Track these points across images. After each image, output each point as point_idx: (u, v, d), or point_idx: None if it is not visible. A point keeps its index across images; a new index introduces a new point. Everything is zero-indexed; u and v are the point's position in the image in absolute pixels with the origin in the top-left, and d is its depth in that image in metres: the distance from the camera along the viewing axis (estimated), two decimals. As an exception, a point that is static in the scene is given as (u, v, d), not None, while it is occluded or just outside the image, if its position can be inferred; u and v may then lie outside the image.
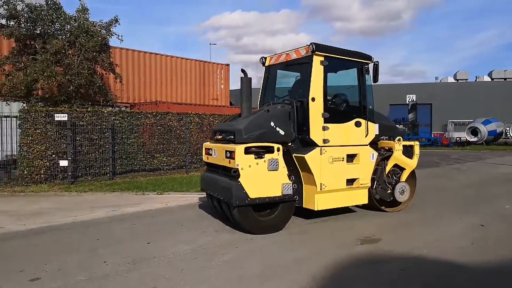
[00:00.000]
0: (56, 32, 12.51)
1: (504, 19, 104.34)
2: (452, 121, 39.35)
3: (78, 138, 11.17)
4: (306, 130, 6.24)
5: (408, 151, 7.67)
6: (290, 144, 6.34)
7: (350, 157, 6.68)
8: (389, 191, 7.33)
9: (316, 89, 6.27)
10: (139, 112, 13.18)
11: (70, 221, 6.95)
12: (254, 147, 5.81)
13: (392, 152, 7.40)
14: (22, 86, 11.63)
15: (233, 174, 5.65)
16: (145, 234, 5.95)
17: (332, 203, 6.57)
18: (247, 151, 5.72)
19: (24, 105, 11.95)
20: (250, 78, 6.38)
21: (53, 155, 10.73)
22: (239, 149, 5.68)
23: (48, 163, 10.66)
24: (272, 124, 6.11)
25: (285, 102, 6.74)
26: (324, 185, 6.29)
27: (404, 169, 7.56)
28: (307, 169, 6.20)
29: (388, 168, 7.39)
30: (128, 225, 6.66)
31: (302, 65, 6.69)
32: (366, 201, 6.99)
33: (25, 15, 11.74)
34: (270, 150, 5.86)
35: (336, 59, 6.65)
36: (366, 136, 6.87)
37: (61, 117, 10.53)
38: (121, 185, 10.60)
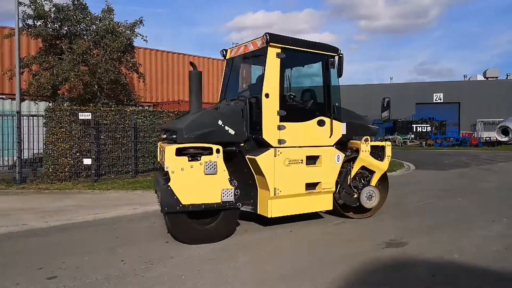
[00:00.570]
0: (82, 32, 12.70)
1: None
2: (481, 120, 37.96)
3: (101, 137, 11.31)
4: (260, 129, 5.64)
5: (378, 153, 6.94)
6: (242, 144, 5.78)
7: (311, 159, 6.07)
8: (355, 196, 6.64)
9: (270, 84, 5.66)
10: (161, 111, 13.24)
11: (92, 218, 6.98)
12: (191, 148, 5.20)
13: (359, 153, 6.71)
14: (48, 86, 11.87)
15: (163, 178, 5.35)
16: (164, 233, 5.89)
17: (289, 210, 5.97)
18: (181, 152, 5.13)
19: (50, 104, 12.19)
20: (200, 72, 6.03)
21: (77, 153, 10.89)
22: (169, 150, 5.08)
23: (72, 161, 10.83)
24: (220, 122, 5.53)
25: (239, 99, 6.18)
26: (278, 189, 5.69)
27: (374, 172, 6.85)
28: (260, 172, 5.63)
29: (354, 170, 6.69)
30: (148, 223, 6.62)
31: (258, 58, 6.06)
32: (330, 207, 6.39)
33: (52, 15, 11.97)
34: (209, 151, 5.25)
35: (296, 52, 6.00)
36: (330, 136, 6.22)
37: (85, 116, 10.67)
38: (143, 183, 10.65)
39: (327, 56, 6.28)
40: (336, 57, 6.32)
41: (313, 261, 4.70)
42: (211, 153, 5.24)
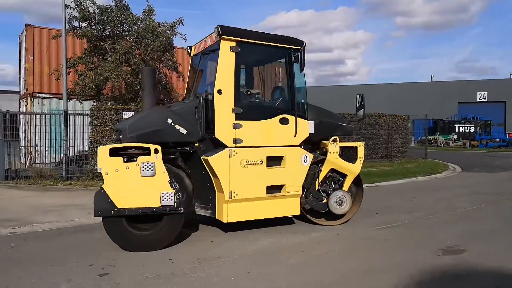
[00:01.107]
0: (124, 33, 13.00)
1: None
2: (531, 121, 35.79)
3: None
4: (213, 128, 5.34)
5: (351, 154, 6.36)
6: (197, 144, 5.47)
7: (273, 160, 5.65)
8: (324, 201, 6.14)
9: (223, 80, 5.31)
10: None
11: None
12: (127, 148, 4.88)
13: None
14: (93, 85, 12.23)
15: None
16: (211, 232, 5.85)
17: (249, 214, 5.56)
18: (115, 152, 4.81)
19: (95, 103, 12.55)
20: (154, 69, 5.71)
21: (120, 151, 11.14)
22: (102, 150, 4.78)
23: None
24: (169, 121, 5.20)
25: (196, 96, 5.84)
26: (234, 193, 5.32)
27: (346, 175, 6.31)
28: (215, 174, 5.31)
29: (322, 173, 6.16)
30: (193, 222, 6.61)
31: (215, 52, 5.60)
32: (297, 212, 5.93)
33: (96, 17, 12.32)
34: (146, 151, 4.89)
35: (255, 45, 5.62)
36: (295, 136, 5.77)
37: (128, 114, 10.90)
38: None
39: (290, 50, 5.85)
40: (300, 51, 5.86)
41: (365, 267, 4.48)
42: (148, 154, 4.86)
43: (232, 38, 5.43)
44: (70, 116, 11.42)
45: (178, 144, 5.39)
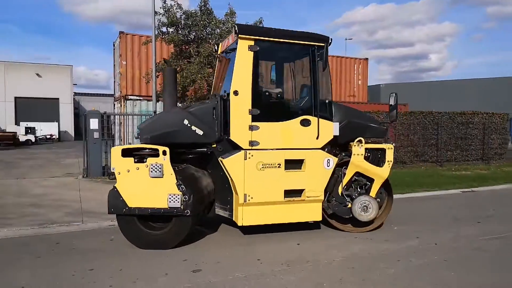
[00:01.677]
0: (207, 36, 13.48)
1: None
2: None
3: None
4: (229, 129, 5.18)
5: (378, 157, 5.80)
6: (214, 145, 5.35)
7: (292, 164, 5.37)
8: (348, 206, 5.70)
9: (240, 81, 5.15)
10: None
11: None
12: (138, 149, 4.97)
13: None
14: (179, 87, 12.85)
15: (110, 179, 4.87)
16: (295, 234, 5.75)
17: (265, 218, 5.36)
18: (128, 153, 4.91)
19: (180, 104, 13.19)
20: (175, 70, 5.43)
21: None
22: (115, 150, 4.94)
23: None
24: (186, 122, 5.18)
25: (215, 96, 5.66)
26: (249, 196, 5.16)
27: (374, 179, 5.75)
28: (230, 176, 5.19)
29: (347, 177, 5.72)
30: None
31: (234, 52, 5.39)
32: (318, 218, 5.60)
33: (182, 22, 12.92)
34: (155, 153, 4.89)
35: (275, 43, 5.40)
36: (317, 138, 5.43)
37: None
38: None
39: (314, 47, 5.52)
40: (323, 48, 5.47)
41: (479, 283, 4.02)
42: (157, 155, 4.88)
43: (250, 36, 5.26)
44: (158, 116, 12.11)
45: (195, 145, 5.37)
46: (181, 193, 4.87)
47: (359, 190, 5.84)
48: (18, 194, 8.87)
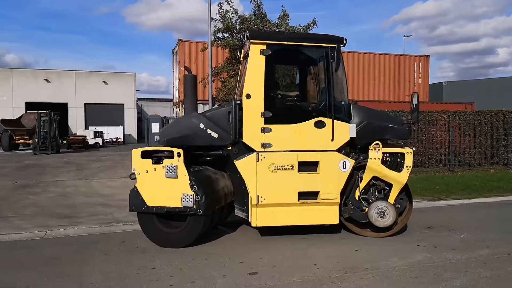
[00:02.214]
0: (261, 40, 13.63)
1: None
2: None
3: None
4: (242, 132, 5.31)
5: (397, 162, 5.57)
6: (230, 148, 5.46)
7: (306, 165, 5.37)
8: (365, 211, 5.51)
9: (252, 84, 5.28)
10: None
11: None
12: (156, 151, 5.29)
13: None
14: (234, 91, 13.12)
15: (131, 178, 5.33)
16: (351, 240, 5.60)
17: (278, 220, 5.43)
18: (146, 155, 5.20)
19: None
20: (195, 76, 5.84)
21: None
22: (135, 152, 5.25)
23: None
24: (201, 126, 5.39)
25: (231, 100, 5.73)
26: (262, 197, 5.28)
27: (392, 185, 5.51)
28: (243, 178, 5.34)
29: (364, 181, 5.57)
30: (331, 226, 6.43)
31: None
32: (335, 221, 5.53)
33: (237, 26, 13.19)
34: (169, 155, 5.13)
35: (288, 47, 5.48)
36: (332, 140, 5.36)
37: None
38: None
39: (327, 49, 5.46)
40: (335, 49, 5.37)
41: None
42: (172, 157, 5.11)
43: (262, 41, 5.36)
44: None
45: (211, 147, 5.54)
46: (193, 193, 5.09)
47: (377, 194, 5.65)
48: (87, 194, 9.54)
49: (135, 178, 5.26)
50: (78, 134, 30.90)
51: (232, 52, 13.53)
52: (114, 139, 36.19)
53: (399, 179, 5.55)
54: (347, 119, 5.55)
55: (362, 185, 5.62)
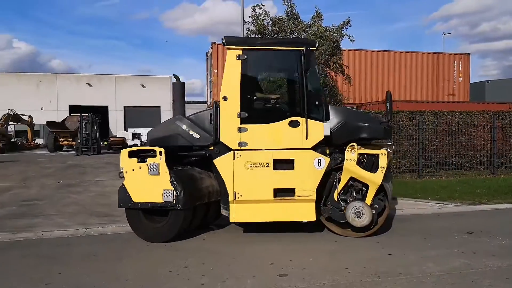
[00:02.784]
0: (293, 41, 13.60)
1: None
2: None
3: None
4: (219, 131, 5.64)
5: (373, 163, 5.61)
6: (212, 148, 5.73)
7: (282, 163, 5.59)
8: (344, 210, 5.61)
9: (229, 87, 5.61)
10: (368, 112, 12.83)
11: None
12: (142, 151, 5.77)
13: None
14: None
15: (120, 177, 5.69)
16: (385, 244, 5.47)
17: (256, 216, 5.63)
18: (132, 154, 5.64)
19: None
20: (183, 83, 6.37)
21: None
22: (123, 152, 5.71)
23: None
24: (184, 127, 5.79)
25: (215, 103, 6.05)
26: (239, 194, 5.54)
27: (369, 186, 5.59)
28: (220, 175, 5.67)
29: (342, 182, 5.70)
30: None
31: None
32: (311, 218, 5.62)
33: (270, 28, 13.22)
34: (153, 154, 5.52)
35: (262, 51, 5.84)
36: (307, 138, 5.53)
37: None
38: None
39: (300, 52, 5.61)
40: (307, 52, 5.47)
41: None
42: (155, 155, 5.47)
43: (237, 47, 5.66)
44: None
45: (194, 147, 5.93)
46: (173, 188, 5.42)
47: (355, 195, 5.77)
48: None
49: (123, 177, 5.65)
50: (117, 136, 32.06)
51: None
52: (151, 141, 37.04)
53: (374, 179, 5.62)
54: (322, 119, 5.70)
55: (341, 186, 5.75)
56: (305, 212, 5.65)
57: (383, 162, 5.62)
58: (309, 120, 5.60)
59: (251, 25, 13.30)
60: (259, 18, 13.05)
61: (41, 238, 5.95)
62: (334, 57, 13.64)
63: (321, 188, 5.74)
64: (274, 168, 5.59)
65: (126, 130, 36.11)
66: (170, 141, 5.86)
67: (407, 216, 7.36)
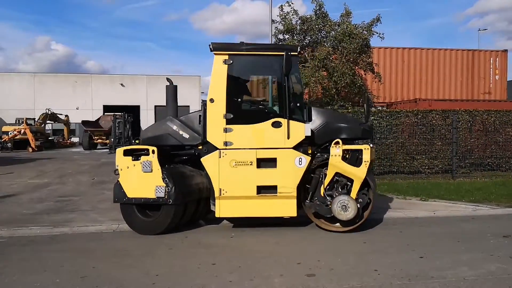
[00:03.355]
0: (322, 39, 13.48)
1: None
2: None
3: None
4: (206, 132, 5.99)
5: (357, 158, 5.89)
6: (200, 147, 6.08)
7: (265, 162, 5.92)
8: (330, 205, 5.85)
9: (216, 90, 5.94)
10: (399, 111, 12.53)
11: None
12: (136, 149, 6.06)
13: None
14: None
15: (115, 174, 5.99)
16: (416, 246, 5.34)
17: (239, 211, 6.00)
18: (127, 153, 5.95)
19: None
20: (175, 86, 6.66)
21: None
22: (119, 151, 6.03)
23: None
24: (174, 128, 6.13)
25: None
26: (224, 190, 5.90)
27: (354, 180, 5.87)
28: (207, 173, 6.01)
29: (328, 177, 5.97)
30: (394, 231, 6.20)
31: None
32: (293, 214, 5.97)
33: (298, 27, 13.18)
34: (146, 152, 5.84)
35: (247, 56, 6.12)
36: (288, 138, 5.87)
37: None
38: (379, 187, 10.25)
39: (281, 57, 5.79)
40: (288, 57, 5.69)
41: None
42: (148, 154, 5.82)
43: (224, 52, 5.98)
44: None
45: (184, 147, 6.25)
46: (165, 185, 5.76)
47: (340, 190, 6.02)
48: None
49: (119, 174, 5.97)
50: (148, 135, 32.72)
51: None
52: (180, 139, 37.76)
53: (358, 173, 5.87)
54: (303, 120, 6.01)
55: (327, 181, 6.00)
56: (287, 208, 5.99)
57: (366, 156, 5.89)
58: (290, 121, 5.92)
59: (279, 24, 13.30)
60: (287, 17, 13.03)
61: (77, 233, 6.20)
62: (363, 55, 13.43)
63: (304, 185, 6.09)
64: (258, 166, 5.92)
65: (156, 129, 36.79)
66: (162, 141, 6.20)
67: (439, 218, 7.16)
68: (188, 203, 6.07)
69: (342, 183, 6.04)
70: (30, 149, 24.13)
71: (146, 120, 38.02)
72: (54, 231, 6.27)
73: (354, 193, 5.89)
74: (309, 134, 6.01)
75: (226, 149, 5.94)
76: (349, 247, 5.35)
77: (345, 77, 12.66)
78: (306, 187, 6.15)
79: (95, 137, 26.83)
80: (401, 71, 19.17)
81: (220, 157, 5.93)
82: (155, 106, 38.93)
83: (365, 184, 5.96)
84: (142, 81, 38.67)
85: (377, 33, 13.21)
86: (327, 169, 6.00)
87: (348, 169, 5.93)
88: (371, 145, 6.18)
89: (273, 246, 5.43)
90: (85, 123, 27.25)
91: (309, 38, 13.36)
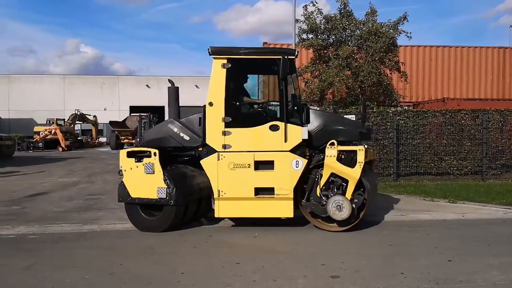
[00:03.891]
0: (346, 38, 13.34)
1: None
2: None
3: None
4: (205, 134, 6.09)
5: (352, 158, 5.88)
6: (200, 149, 6.15)
7: (262, 164, 6.00)
8: (325, 205, 5.90)
9: (215, 94, 6.04)
10: (426, 110, 12.25)
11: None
12: (139, 151, 6.20)
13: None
14: (317, 91, 13.03)
15: (119, 175, 6.15)
16: (444, 249, 5.21)
17: (238, 212, 6.18)
18: (130, 155, 6.10)
19: (317, 108, 13.35)
20: (177, 88, 6.79)
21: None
22: (122, 152, 6.21)
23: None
24: (175, 130, 6.22)
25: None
26: (223, 191, 6.01)
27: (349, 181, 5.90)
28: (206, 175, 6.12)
29: (323, 178, 6.00)
30: (421, 234, 6.07)
31: None
32: (289, 215, 6.04)
33: (322, 26, 13.08)
34: (148, 154, 5.96)
35: (246, 60, 6.21)
36: (286, 141, 5.93)
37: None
38: (406, 188, 10.08)
39: (279, 60, 5.85)
40: (285, 60, 5.76)
41: None
42: (150, 156, 5.94)
43: (222, 56, 6.05)
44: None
45: (185, 148, 6.34)
46: (166, 186, 5.88)
47: (336, 190, 6.04)
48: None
49: (122, 175, 6.15)
50: (172, 135, 33.25)
51: (316, 52, 13.45)
52: (203, 139, 38.21)
53: (352, 174, 5.89)
54: (301, 123, 6.05)
55: (322, 182, 6.02)
56: (284, 209, 6.07)
57: (360, 157, 5.89)
58: (288, 124, 5.98)
59: (302, 23, 13.24)
60: (311, 16, 12.96)
61: (105, 231, 6.37)
62: (390, 54, 13.20)
63: (302, 186, 6.13)
64: (256, 169, 6.00)
65: (180, 129, 37.37)
66: (163, 143, 6.32)
67: (469, 221, 6.96)
68: (190, 203, 6.21)
69: (337, 183, 6.07)
70: (60, 149, 25.00)
71: (171, 120, 38.66)
72: (83, 228, 6.47)
73: (349, 193, 5.91)
74: (306, 137, 6.03)
75: (224, 151, 6.04)
76: (374, 249, 5.27)
77: (372, 76, 12.46)
78: (303, 187, 6.18)
79: (122, 137, 27.49)
80: (428, 69, 18.71)
81: (218, 160, 6.04)
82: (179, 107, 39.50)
83: (360, 185, 5.97)
84: (166, 82, 39.20)
85: (404, 31, 12.95)
86: (323, 169, 6.03)
87: (343, 170, 5.95)
88: (367, 146, 6.19)
89: (297, 247, 5.42)
90: (112, 123, 27.95)
91: (333, 37, 13.23)
